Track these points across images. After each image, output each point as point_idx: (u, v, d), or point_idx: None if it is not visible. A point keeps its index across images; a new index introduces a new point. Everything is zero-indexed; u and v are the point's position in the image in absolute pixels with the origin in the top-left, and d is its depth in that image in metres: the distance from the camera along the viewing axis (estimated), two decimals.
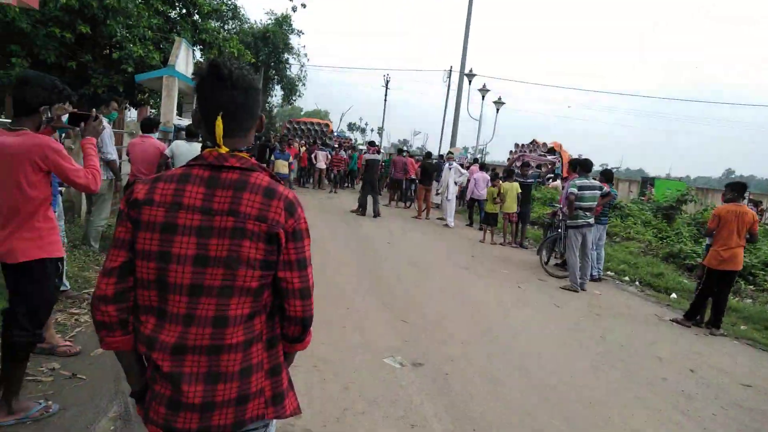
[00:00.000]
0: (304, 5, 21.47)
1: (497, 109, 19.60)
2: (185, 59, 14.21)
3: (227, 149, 1.38)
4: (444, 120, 30.22)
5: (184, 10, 16.21)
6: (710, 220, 6.45)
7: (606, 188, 7.88)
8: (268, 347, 1.45)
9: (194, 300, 1.33)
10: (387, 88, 39.90)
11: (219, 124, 1.35)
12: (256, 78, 1.43)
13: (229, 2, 27.20)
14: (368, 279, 6.95)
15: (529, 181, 11.35)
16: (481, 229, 11.92)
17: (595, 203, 7.59)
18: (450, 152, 15.52)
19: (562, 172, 22.67)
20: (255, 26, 29.46)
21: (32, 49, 13.23)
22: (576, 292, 7.48)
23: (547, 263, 8.96)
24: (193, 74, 1.52)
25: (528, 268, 8.81)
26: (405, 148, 20.31)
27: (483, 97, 19.00)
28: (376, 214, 13.16)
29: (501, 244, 11.08)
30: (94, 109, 3.00)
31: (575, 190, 7.44)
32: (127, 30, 13.91)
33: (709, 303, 6.51)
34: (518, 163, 25.41)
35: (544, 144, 24.35)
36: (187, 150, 6.60)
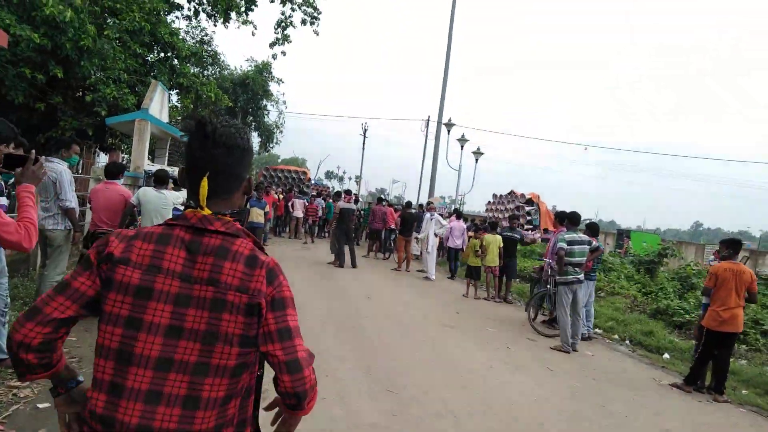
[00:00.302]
0: (284, 53, 21.52)
1: (476, 159, 19.66)
2: (160, 103, 13.86)
3: (210, 211, 1.31)
4: (422, 169, 30.28)
5: (162, 54, 15.99)
6: (707, 279, 6.19)
7: (595, 242, 7.62)
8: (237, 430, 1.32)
9: (161, 375, 1.21)
10: (365, 136, 40.10)
11: (204, 184, 1.28)
12: (245, 137, 1.35)
13: (209, 48, 27.38)
14: (348, 340, 6.43)
15: (515, 235, 11.01)
16: (460, 281, 11.54)
17: (585, 258, 7.31)
18: (430, 202, 15.29)
19: (539, 224, 22.72)
20: (235, 72, 29.54)
21: (0, 90, 12.76)
22: (568, 353, 7.07)
23: (534, 320, 8.57)
24: (181, 130, 1.28)
25: (515, 326, 8.39)
26: (384, 197, 20.06)
27: (462, 147, 19.05)
28: (354, 265, 12.73)
29: (485, 298, 10.68)
30: (33, 151, 2.54)
31: (565, 245, 7.15)
32: (102, 72, 13.56)
33: (709, 366, 6.18)
34: (506, 215, 25.52)
35: (522, 195, 24.44)
36: (156, 198, 6.12)
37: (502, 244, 10.65)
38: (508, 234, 10.90)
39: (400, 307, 8.75)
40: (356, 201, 21.02)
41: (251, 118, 30.81)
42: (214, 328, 1.22)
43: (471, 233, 16.89)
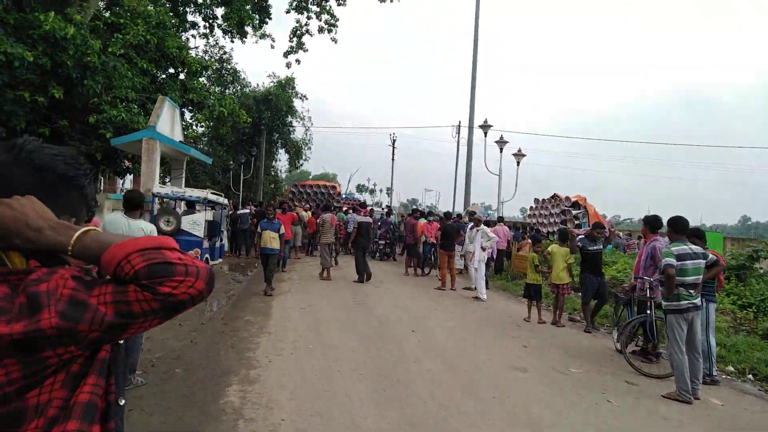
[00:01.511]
0: (298, 61, 20.22)
1: (517, 162, 17.75)
2: (170, 120, 12.53)
3: None
4: (456, 177, 28.48)
5: (171, 70, 14.75)
6: None
7: (712, 255, 5.70)
8: None
9: None
10: (394, 146, 38.45)
11: None
12: (72, 163, 1.12)
13: (229, 67, 26.35)
14: (392, 403, 4.70)
15: (595, 248, 8.54)
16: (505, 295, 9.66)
17: (701, 277, 5.41)
18: (473, 212, 13.53)
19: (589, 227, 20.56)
20: (257, 89, 28.42)
21: None
22: (689, 404, 5.17)
23: (623, 351, 6.67)
24: None
25: (604, 363, 6.50)
26: (420, 208, 18.32)
27: (501, 149, 17.21)
28: (368, 277, 11.94)
29: (551, 323, 8.79)
30: None
31: (673, 261, 5.28)
32: (107, 91, 12.34)
33: None
34: (550, 220, 23.42)
35: (567, 198, 22.33)
36: (124, 228, 4.55)
37: (571, 259, 8.77)
38: (591, 247, 8.55)
39: (453, 343, 6.97)
40: (389, 213, 19.41)
41: (277, 135, 29.63)
42: None
43: (524, 242, 15.11)
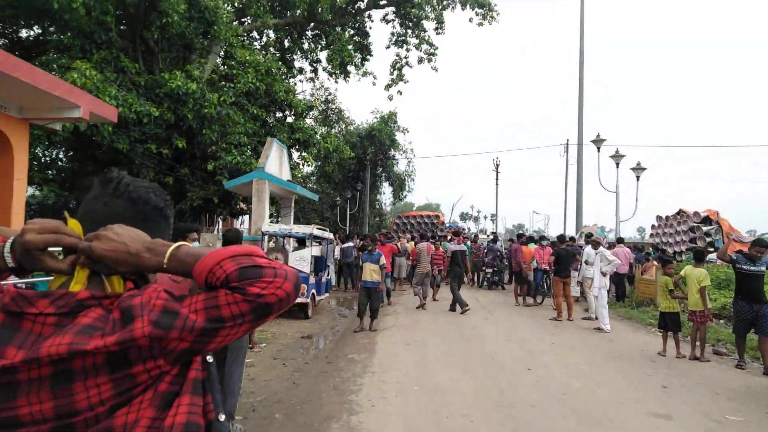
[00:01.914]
0: (400, 92, 20.33)
1: (637, 177, 16.15)
2: (278, 160, 13.02)
3: None
4: (566, 197, 26.80)
5: (279, 113, 15.46)
6: None
7: None
8: None
9: None
10: (497, 171, 37.37)
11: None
12: (160, 195, 1.19)
13: (334, 107, 27.36)
14: None
15: (754, 269, 7.11)
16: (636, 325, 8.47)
17: None
18: (590, 234, 12.40)
19: (723, 244, 18.12)
20: (361, 126, 29.20)
21: (132, 169, 12.85)
22: None
23: None
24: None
25: (763, 406, 5.36)
26: (528, 233, 17.31)
27: (617, 164, 15.78)
28: (452, 308, 11.59)
29: (690, 358, 7.57)
30: None
31: None
32: (223, 138, 13.16)
33: None
34: (677, 239, 21.12)
35: (696, 213, 19.96)
36: None
37: (707, 281, 7.56)
38: (750, 268, 7.12)
39: (576, 383, 6.15)
40: (494, 240, 18.58)
41: (381, 169, 30.08)
42: None
43: (648, 265, 13.61)
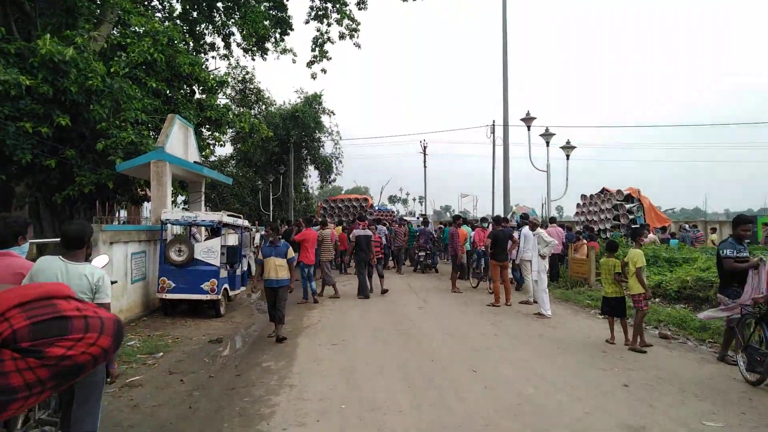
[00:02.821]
0: (324, 71, 18.86)
1: (567, 156, 15.77)
2: (182, 140, 11.26)
3: None
4: (494, 179, 26.51)
5: (186, 88, 13.57)
6: None
7: None
8: None
9: None
10: (425, 153, 36.74)
11: None
12: None
13: (252, 86, 25.34)
14: None
15: (744, 253, 5.88)
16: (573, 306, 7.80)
17: None
18: (525, 214, 11.74)
19: (645, 221, 18.38)
20: (283, 107, 27.33)
21: (2, 150, 10.65)
22: None
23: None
24: None
25: (744, 406, 4.69)
26: (456, 214, 16.58)
27: (547, 143, 15.31)
28: (383, 291, 11.67)
29: (631, 347, 6.91)
30: None
31: None
32: (116, 115, 11.21)
33: None
34: (601, 216, 21.20)
35: (618, 191, 20.16)
36: (61, 274, 3.09)
37: (641, 261, 6.88)
38: (740, 252, 5.91)
39: (531, 388, 5.23)
40: (425, 222, 17.75)
41: (306, 151, 28.47)
42: None
43: (579, 244, 13.22)
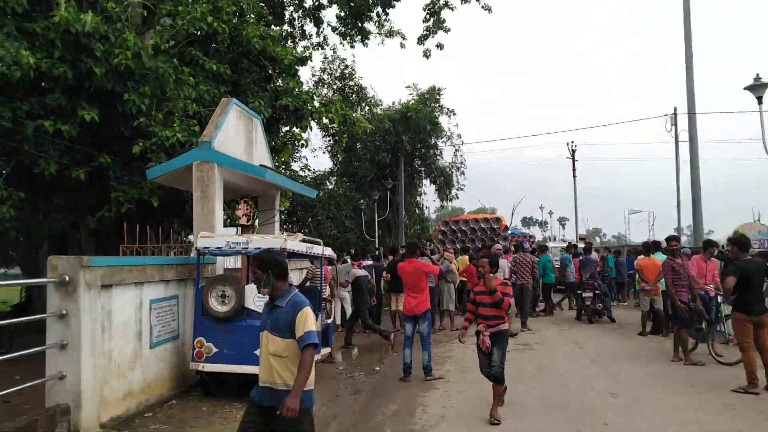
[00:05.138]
0: (439, 46, 16.23)
1: None
2: (243, 134, 8.99)
3: None
4: (678, 186, 21.65)
5: (259, 72, 11.54)
6: None
7: None
8: None
9: None
10: (574, 158, 31.91)
11: None
12: None
13: (353, 84, 23.50)
14: None
15: None
16: None
17: None
18: None
19: None
20: (392, 107, 25.04)
21: (22, 161, 9.24)
22: None
23: None
24: None
25: None
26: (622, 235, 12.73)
27: None
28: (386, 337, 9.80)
29: None
30: None
31: None
32: (157, 106, 9.39)
33: None
34: None
35: None
36: None
37: None
38: None
39: None
40: (587, 250, 14.01)
41: (419, 161, 25.94)
42: None
43: None
